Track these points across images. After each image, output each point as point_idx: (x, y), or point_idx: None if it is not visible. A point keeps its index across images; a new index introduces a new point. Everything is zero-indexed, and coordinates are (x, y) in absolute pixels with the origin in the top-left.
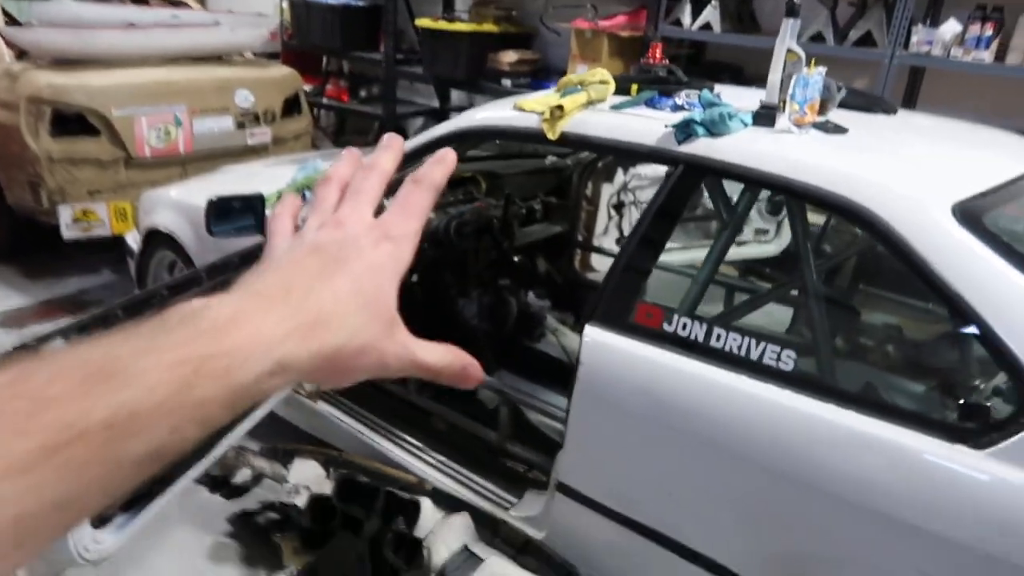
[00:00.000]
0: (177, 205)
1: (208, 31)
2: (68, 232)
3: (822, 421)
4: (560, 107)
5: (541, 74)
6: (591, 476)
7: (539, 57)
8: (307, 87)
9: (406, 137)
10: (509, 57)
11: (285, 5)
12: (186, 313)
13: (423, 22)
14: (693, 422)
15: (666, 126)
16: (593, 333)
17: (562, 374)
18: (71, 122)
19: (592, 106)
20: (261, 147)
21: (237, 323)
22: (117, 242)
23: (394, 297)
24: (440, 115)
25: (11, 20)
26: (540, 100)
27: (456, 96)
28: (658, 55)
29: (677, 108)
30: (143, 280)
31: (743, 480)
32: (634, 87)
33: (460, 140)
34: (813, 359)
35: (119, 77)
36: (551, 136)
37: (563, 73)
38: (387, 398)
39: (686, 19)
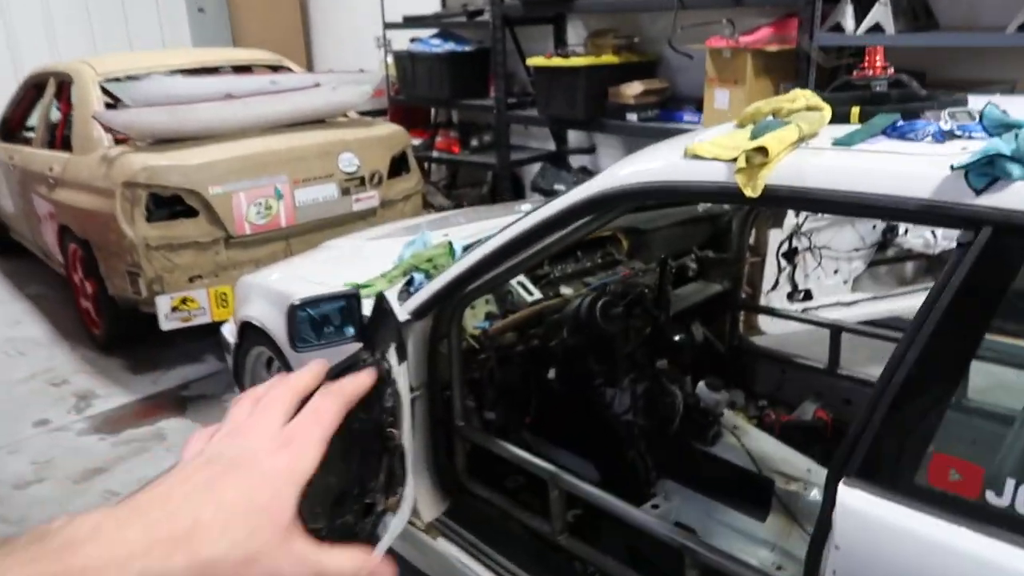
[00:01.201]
0: (269, 294)
1: (308, 94)
2: (167, 323)
3: None
4: (761, 149)
5: (671, 104)
6: None
7: (667, 85)
8: (416, 141)
9: (522, 186)
10: (633, 89)
11: (390, 60)
12: (41, 532)
13: (535, 61)
14: None
15: (951, 167)
16: (855, 499)
17: (747, 488)
18: (169, 206)
19: (804, 143)
20: (369, 212)
21: (94, 539)
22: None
23: (292, 505)
24: (557, 158)
25: (112, 103)
26: (721, 141)
27: (574, 137)
28: (879, 62)
29: (944, 136)
30: (240, 377)
31: None
32: (854, 111)
33: (602, 207)
34: None
35: (215, 152)
36: (751, 193)
37: (698, 102)
38: (522, 536)
39: (848, 23)
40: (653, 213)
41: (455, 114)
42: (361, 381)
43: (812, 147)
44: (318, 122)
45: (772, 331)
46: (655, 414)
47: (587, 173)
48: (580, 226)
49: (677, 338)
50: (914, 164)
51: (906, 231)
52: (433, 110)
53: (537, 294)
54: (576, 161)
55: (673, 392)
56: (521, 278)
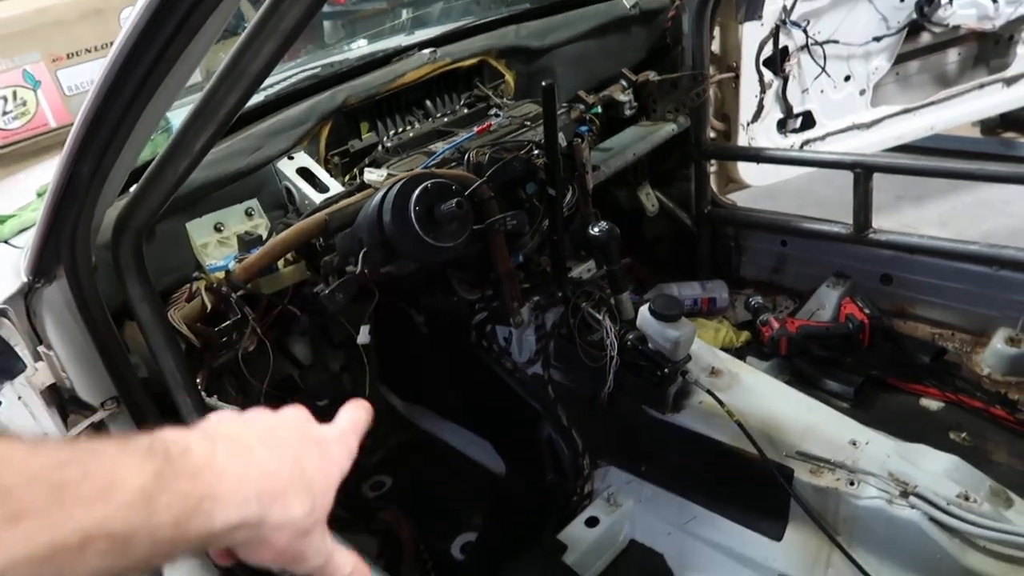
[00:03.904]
0: None
1: None
2: None
3: None
4: None
5: None
6: None
7: None
8: None
9: None
10: None
11: None
12: (159, 446)
13: None
14: None
15: None
16: None
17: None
18: None
19: None
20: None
21: (216, 474)
22: None
23: (332, 498)
24: None
25: None
26: None
27: None
28: None
29: None
30: None
31: None
32: None
33: None
34: None
35: None
36: None
37: None
38: None
39: None
40: (548, 21)
41: None
42: (368, 410)
43: None
44: None
45: (759, 183)
46: (578, 365)
47: None
48: None
49: (596, 230)
50: None
51: None
52: None
53: (335, 187)
54: None
55: (602, 324)
56: (305, 160)
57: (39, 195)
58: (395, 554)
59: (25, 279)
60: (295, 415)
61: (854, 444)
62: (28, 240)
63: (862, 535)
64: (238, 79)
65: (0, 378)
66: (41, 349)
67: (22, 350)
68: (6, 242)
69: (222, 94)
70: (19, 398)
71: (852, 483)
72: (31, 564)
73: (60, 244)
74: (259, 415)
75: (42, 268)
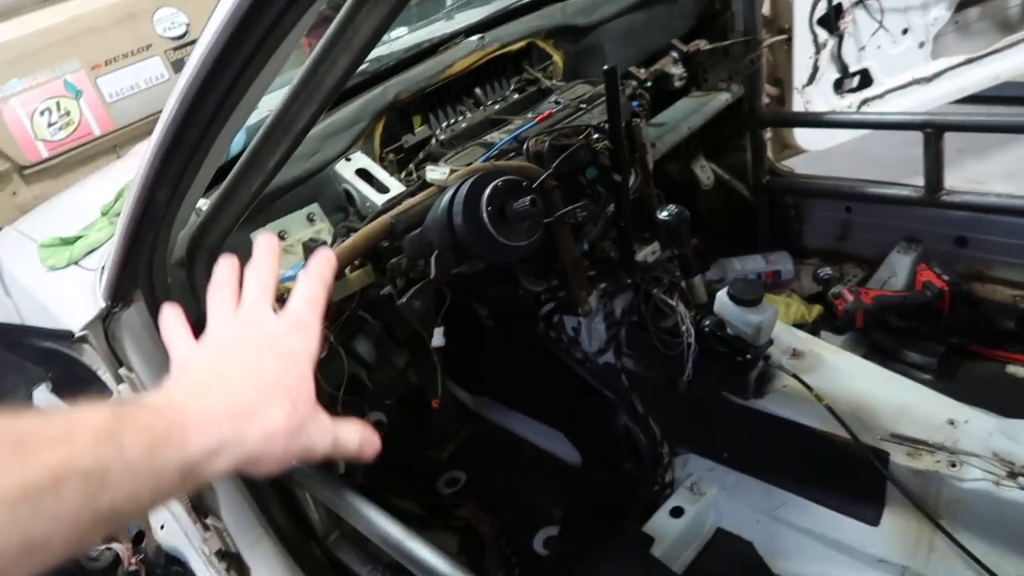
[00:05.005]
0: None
1: None
2: None
3: None
4: None
5: None
6: None
7: None
8: None
9: None
10: None
11: None
12: (141, 403)
13: None
14: None
15: None
16: None
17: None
18: None
19: None
20: None
21: (185, 405)
22: None
23: (312, 381)
24: None
25: None
26: None
27: None
28: None
29: None
30: None
31: None
32: None
33: None
34: None
35: None
36: None
37: None
38: None
39: None
40: None
41: None
42: (329, 261)
43: None
44: None
45: (816, 147)
46: (651, 352)
47: None
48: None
49: (665, 214)
50: None
51: None
52: None
53: (395, 187)
54: None
55: (675, 310)
56: (363, 160)
57: (103, 213)
58: (477, 550)
59: (103, 304)
60: (241, 325)
61: (952, 424)
62: (100, 263)
63: (966, 518)
64: (313, 92)
65: None
66: (122, 372)
67: (103, 374)
68: (76, 263)
69: (296, 109)
70: None
71: (953, 464)
72: (6, 507)
73: (137, 269)
74: (206, 351)
75: (120, 293)
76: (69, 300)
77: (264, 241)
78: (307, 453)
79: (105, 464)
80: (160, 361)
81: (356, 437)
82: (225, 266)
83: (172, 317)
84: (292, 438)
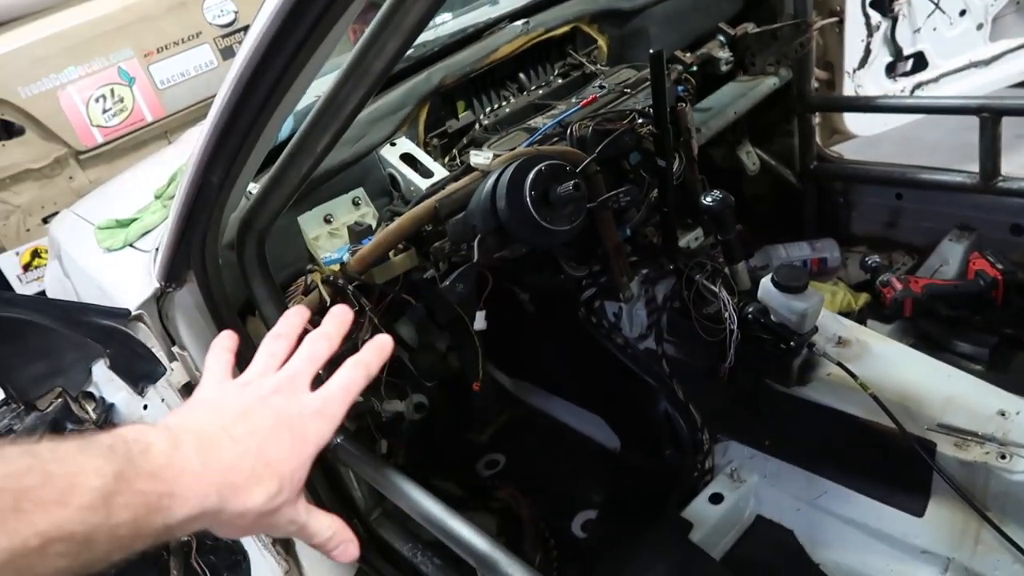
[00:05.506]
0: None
1: None
2: (21, 287)
3: None
4: None
5: None
6: None
7: None
8: None
9: None
10: None
11: None
12: (120, 443)
13: None
14: None
15: None
16: None
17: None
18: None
19: None
20: None
21: (183, 469)
22: None
23: (307, 470)
24: None
25: None
26: None
27: None
28: None
29: None
30: None
31: None
32: None
33: None
34: None
35: (10, 40)
36: None
37: None
38: None
39: None
40: None
41: None
42: (382, 350)
43: None
44: None
45: (867, 132)
46: (693, 339)
47: None
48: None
49: (710, 200)
50: None
51: None
52: None
53: (439, 171)
54: None
55: (718, 296)
56: (407, 146)
57: (157, 197)
58: (515, 532)
59: (157, 284)
60: (275, 390)
61: (1003, 415)
62: (154, 244)
63: (1015, 511)
64: (362, 77)
65: (146, 383)
66: (175, 350)
67: (157, 351)
68: (131, 245)
69: (345, 93)
70: (162, 400)
71: (1003, 456)
72: None
73: (190, 250)
74: (233, 398)
75: (173, 273)
76: (124, 280)
77: (339, 313)
78: (270, 532)
79: (92, 529)
80: (210, 338)
81: (329, 532)
82: (294, 316)
83: (222, 343)
84: (262, 518)
